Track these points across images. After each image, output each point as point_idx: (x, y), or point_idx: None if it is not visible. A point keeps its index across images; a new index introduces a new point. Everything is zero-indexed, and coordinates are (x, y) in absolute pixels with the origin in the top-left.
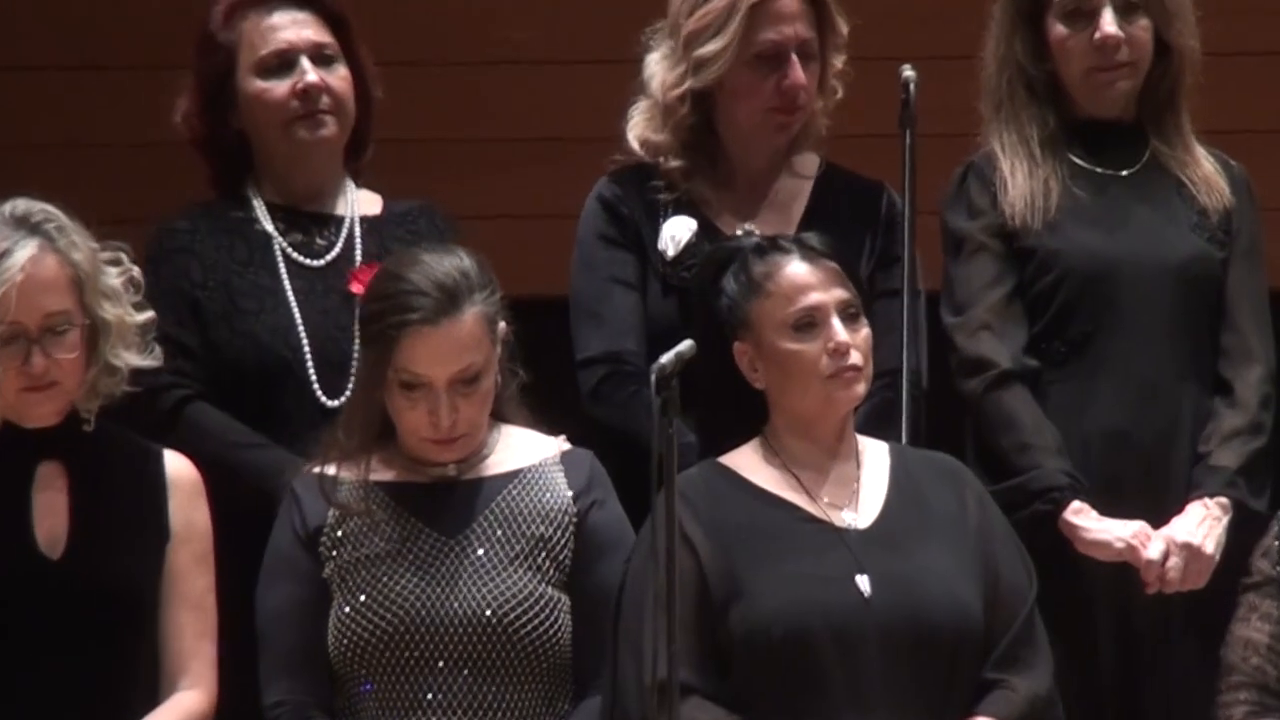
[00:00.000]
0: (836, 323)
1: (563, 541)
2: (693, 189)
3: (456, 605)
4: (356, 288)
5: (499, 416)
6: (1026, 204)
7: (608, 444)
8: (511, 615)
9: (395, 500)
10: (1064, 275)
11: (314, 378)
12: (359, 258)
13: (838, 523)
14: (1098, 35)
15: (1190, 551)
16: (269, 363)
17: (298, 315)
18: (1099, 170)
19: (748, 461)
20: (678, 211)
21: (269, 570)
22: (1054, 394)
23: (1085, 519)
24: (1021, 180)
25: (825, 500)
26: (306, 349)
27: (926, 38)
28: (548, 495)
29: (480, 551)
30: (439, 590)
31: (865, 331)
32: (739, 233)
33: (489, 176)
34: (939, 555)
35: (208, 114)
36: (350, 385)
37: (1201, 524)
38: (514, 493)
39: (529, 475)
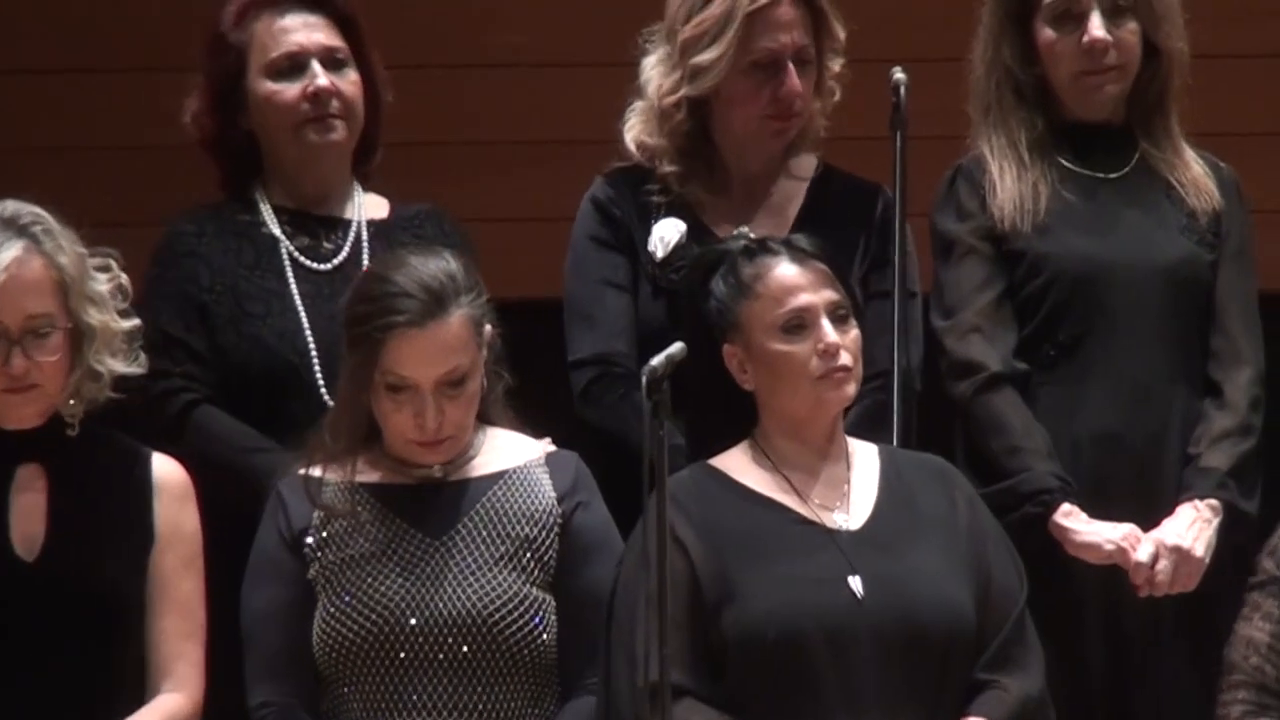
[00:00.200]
0: (826, 324)
1: (548, 542)
2: (687, 192)
3: (442, 606)
4: None
5: (484, 419)
6: (1016, 207)
7: (598, 446)
8: (496, 616)
9: (380, 501)
10: (1053, 278)
11: (321, 382)
12: (366, 261)
13: (829, 524)
14: (1086, 39)
15: (1180, 554)
16: (276, 367)
17: (305, 319)
18: (1088, 173)
19: (738, 464)
20: (670, 214)
21: (254, 572)
22: (1044, 397)
23: (1075, 521)
24: (1010, 183)
25: (816, 502)
26: (314, 353)
27: (919, 40)
28: (533, 497)
29: (465, 552)
30: (424, 591)
31: (855, 333)
32: (732, 235)
33: (487, 179)
34: (930, 556)
35: (217, 115)
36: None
37: (1191, 526)
38: (499, 494)
39: (514, 477)
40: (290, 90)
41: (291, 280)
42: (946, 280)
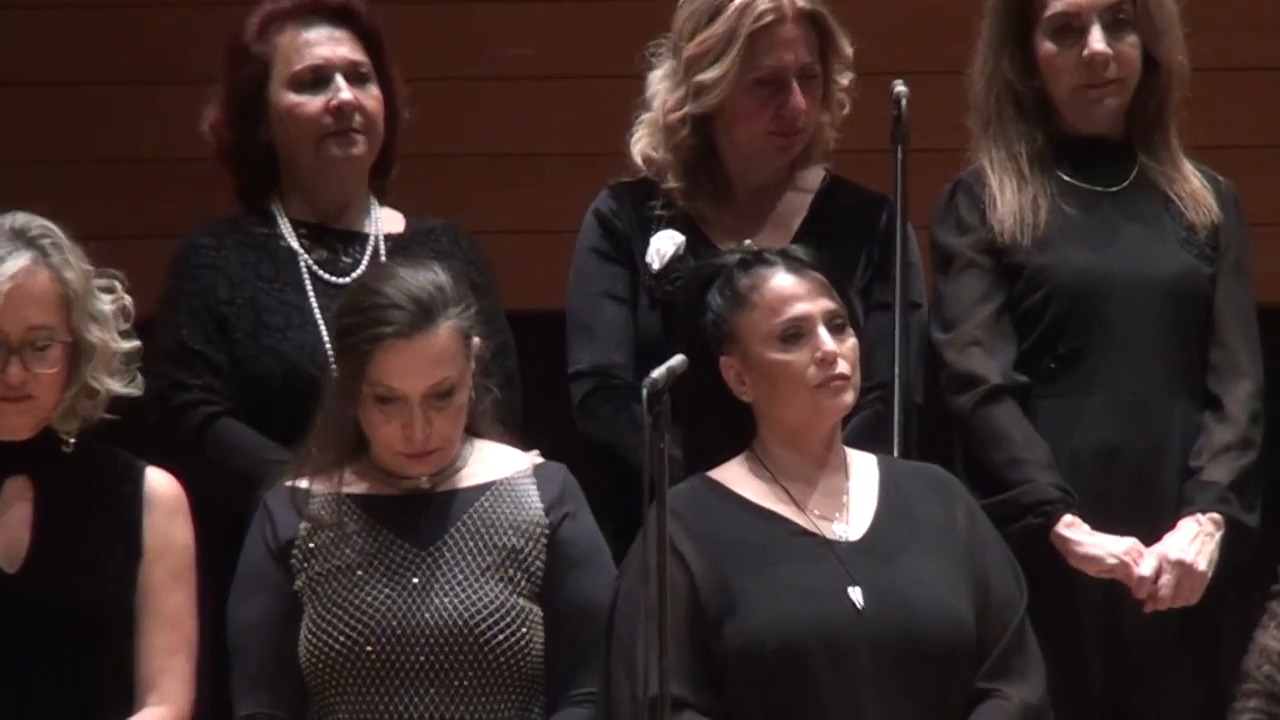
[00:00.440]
0: (823, 332)
1: (534, 553)
2: (691, 207)
3: (428, 616)
4: None
5: (472, 430)
6: (1015, 221)
7: (597, 457)
8: (483, 627)
9: (367, 512)
10: (1053, 292)
11: None
12: None
13: (828, 535)
14: (1086, 52)
15: (1183, 569)
16: (296, 380)
17: (324, 333)
18: (1087, 187)
19: (736, 475)
20: (671, 227)
21: (240, 583)
22: (1044, 410)
23: (1077, 533)
24: (1010, 197)
25: (815, 513)
26: (333, 366)
27: (920, 53)
28: (520, 508)
29: (452, 563)
30: (411, 602)
31: (852, 341)
32: (730, 249)
33: (493, 192)
34: (930, 566)
35: (236, 125)
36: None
37: (1194, 541)
38: (486, 505)
39: (501, 488)
40: (313, 103)
41: (311, 293)
42: (946, 293)
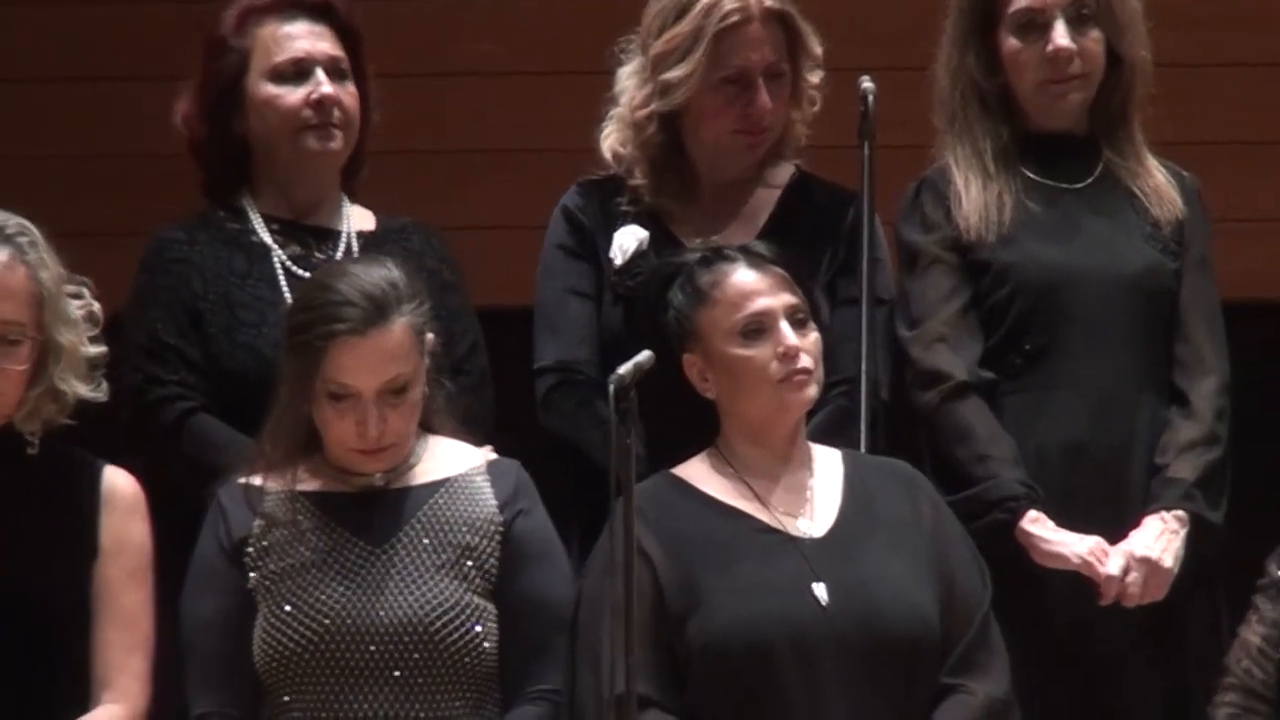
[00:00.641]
0: (785, 327)
1: (489, 550)
2: (658, 203)
3: (383, 614)
4: None
5: (426, 426)
6: (980, 217)
7: (562, 454)
8: (438, 624)
9: (321, 510)
10: (1019, 288)
11: None
12: None
13: (792, 531)
14: (1050, 47)
15: (1149, 565)
16: (271, 375)
17: None
18: (1052, 183)
19: (699, 472)
20: (637, 222)
21: (194, 581)
22: (1010, 406)
23: (1042, 528)
24: (975, 194)
25: (779, 509)
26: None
27: (887, 49)
28: (474, 504)
29: (406, 561)
30: (365, 599)
31: (814, 336)
32: (692, 246)
33: (460, 188)
34: (894, 561)
35: (211, 117)
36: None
37: (1160, 538)
38: (440, 502)
39: (455, 484)
40: (294, 95)
41: (285, 289)
42: (912, 291)
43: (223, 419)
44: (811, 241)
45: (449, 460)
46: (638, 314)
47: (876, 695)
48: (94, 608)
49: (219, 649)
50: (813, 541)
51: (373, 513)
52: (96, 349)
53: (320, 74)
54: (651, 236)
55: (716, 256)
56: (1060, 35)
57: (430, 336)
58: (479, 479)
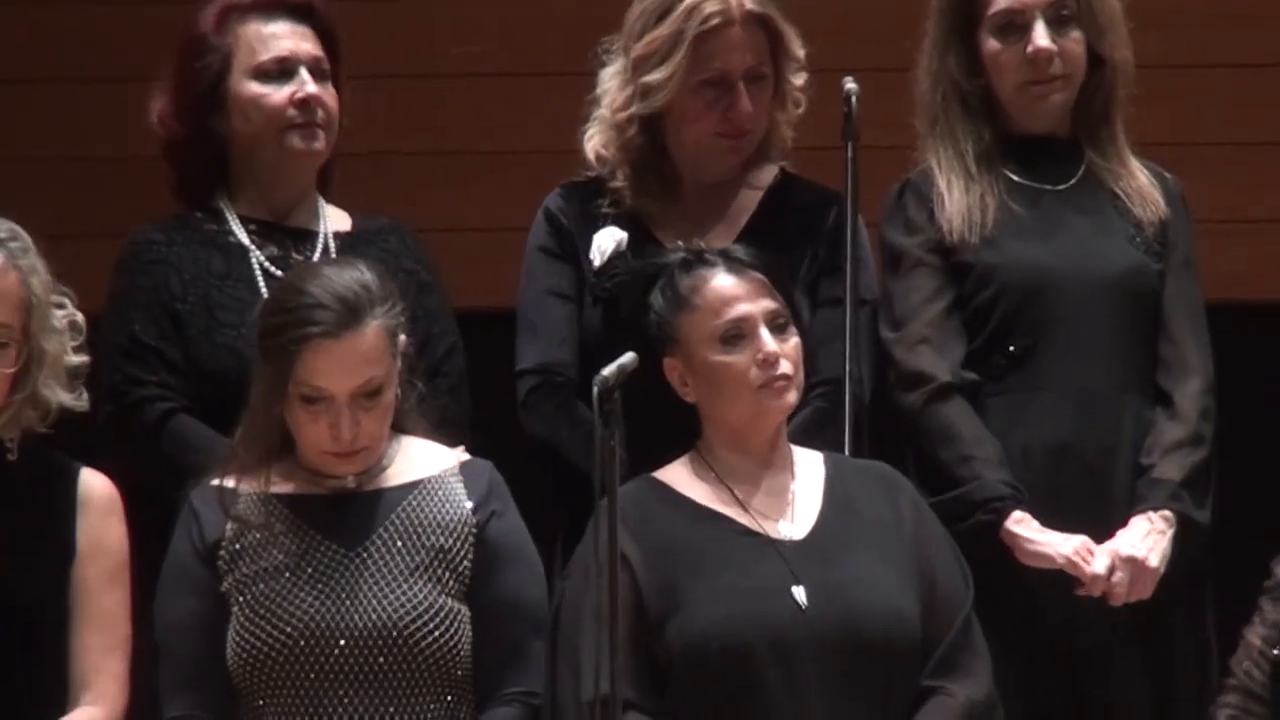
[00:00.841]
0: (764, 333)
1: (462, 552)
2: (640, 205)
3: (356, 617)
4: None
5: (399, 428)
6: (963, 219)
7: (542, 456)
8: (412, 627)
9: (294, 513)
10: (1002, 289)
11: None
12: None
13: (773, 534)
14: (1030, 49)
15: (1135, 565)
16: (249, 377)
17: None
18: (1035, 185)
19: (680, 476)
20: (618, 224)
21: (167, 584)
22: (994, 407)
23: (1027, 529)
24: (958, 196)
25: (759, 512)
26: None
27: (870, 50)
28: (447, 506)
29: (380, 563)
30: (338, 602)
31: (794, 340)
32: (671, 248)
33: (442, 189)
34: (874, 564)
35: (188, 117)
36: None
37: (1146, 538)
38: (413, 504)
39: (428, 486)
40: (279, 94)
41: (264, 290)
42: (895, 292)
43: (203, 420)
44: (793, 243)
45: (421, 462)
46: (620, 316)
47: (856, 697)
48: (71, 610)
49: (192, 652)
50: (793, 544)
51: (345, 515)
52: (79, 358)
53: (304, 73)
54: (632, 238)
55: (697, 261)
56: (1040, 36)
57: (403, 338)
58: (452, 480)
